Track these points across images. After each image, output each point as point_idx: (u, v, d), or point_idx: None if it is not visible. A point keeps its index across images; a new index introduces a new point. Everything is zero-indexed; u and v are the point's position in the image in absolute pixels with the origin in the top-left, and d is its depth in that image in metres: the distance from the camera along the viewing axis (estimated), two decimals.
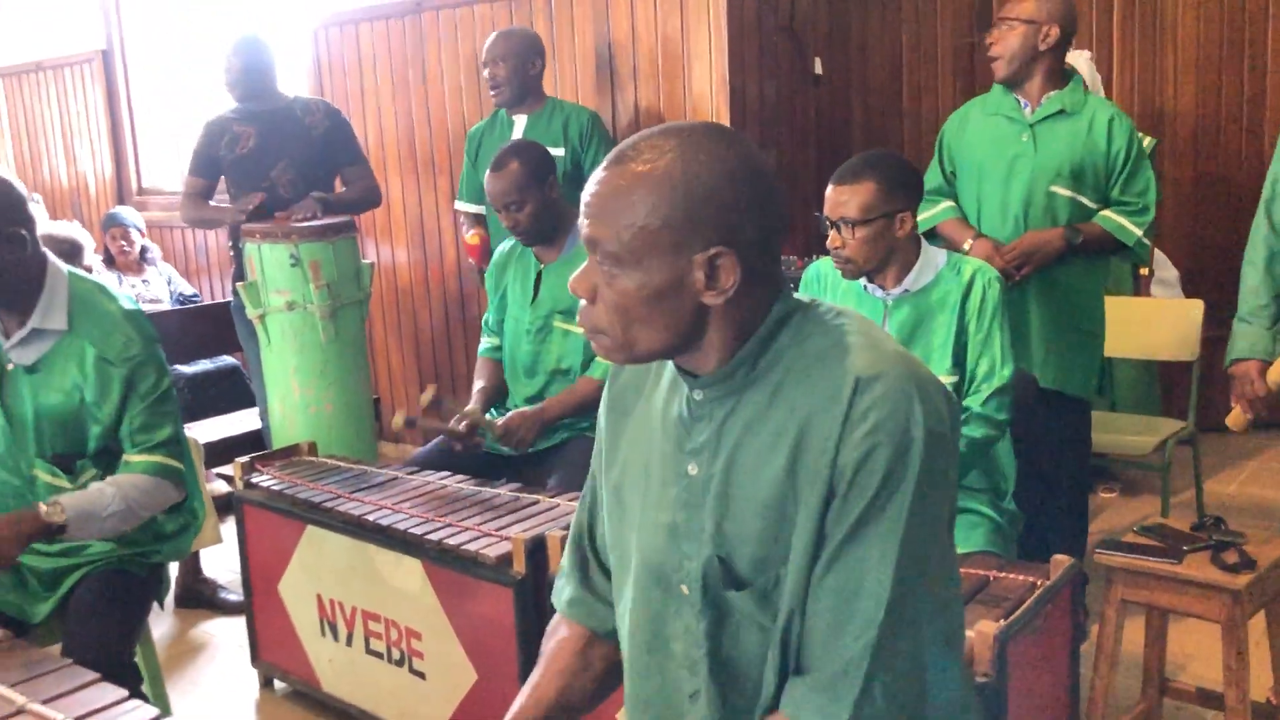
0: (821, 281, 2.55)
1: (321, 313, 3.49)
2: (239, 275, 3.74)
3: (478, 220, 3.89)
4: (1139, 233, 2.93)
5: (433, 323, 4.90)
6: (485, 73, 3.65)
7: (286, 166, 3.77)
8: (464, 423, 2.89)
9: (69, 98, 6.42)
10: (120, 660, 2.07)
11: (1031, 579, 2.03)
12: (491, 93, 3.66)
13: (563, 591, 1.47)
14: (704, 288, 1.17)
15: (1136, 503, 4.03)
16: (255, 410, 4.38)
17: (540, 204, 2.84)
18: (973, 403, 2.35)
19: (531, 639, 2.33)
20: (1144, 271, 4.23)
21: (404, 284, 4.95)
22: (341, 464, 3.02)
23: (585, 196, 1.21)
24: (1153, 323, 3.64)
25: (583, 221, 1.21)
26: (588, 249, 1.21)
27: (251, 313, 3.54)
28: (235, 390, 4.83)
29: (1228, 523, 2.38)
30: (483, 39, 4.34)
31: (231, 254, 3.99)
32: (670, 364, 1.29)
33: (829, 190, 2.36)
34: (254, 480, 2.94)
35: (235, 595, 3.59)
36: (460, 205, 3.90)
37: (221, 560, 3.81)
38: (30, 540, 2.03)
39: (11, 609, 2.16)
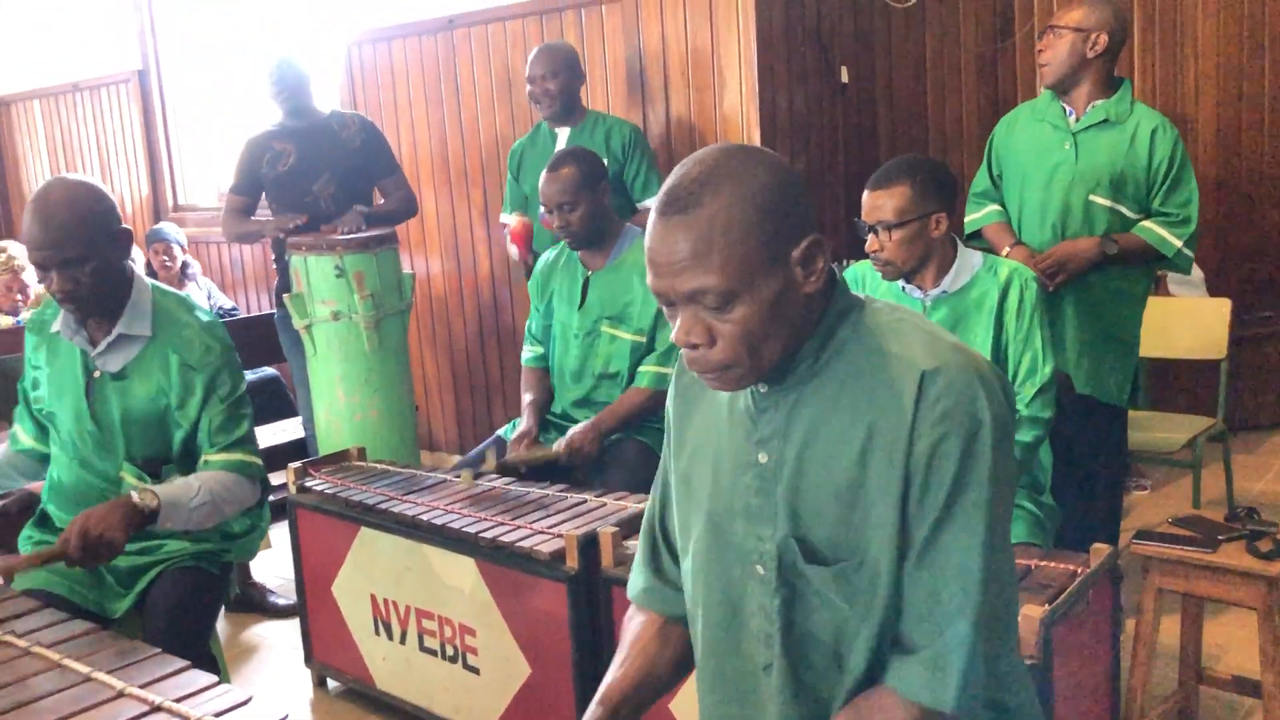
0: (860, 284, 2.63)
1: (366, 322, 3.58)
2: (284, 288, 3.84)
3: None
4: (1179, 244, 2.94)
5: (467, 332, 5.00)
6: (532, 88, 3.72)
7: (328, 180, 3.87)
8: (520, 445, 3.02)
9: (105, 117, 6.55)
10: (199, 652, 2.17)
11: (1072, 567, 2.10)
12: (538, 105, 3.74)
13: (636, 582, 1.55)
14: (804, 279, 1.24)
15: (1167, 500, 4.09)
16: (297, 420, 4.48)
17: (591, 207, 2.94)
18: (1019, 404, 2.42)
19: (584, 632, 2.41)
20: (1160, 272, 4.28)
21: (438, 294, 5.05)
22: (390, 468, 3.10)
23: (661, 257, 1.22)
24: (1180, 322, 3.69)
25: (671, 280, 1.21)
26: (682, 302, 1.23)
27: (298, 323, 3.64)
28: (275, 400, 4.93)
29: (1261, 515, 2.44)
30: (514, 54, 4.45)
31: (274, 267, 4.09)
32: None
33: (865, 196, 2.44)
34: (307, 484, 3.03)
35: (285, 599, 3.68)
36: (504, 217, 3.99)
37: (269, 566, 3.91)
38: (131, 528, 2.12)
39: (91, 605, 2.26)
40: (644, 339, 2.99)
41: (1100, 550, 2.13)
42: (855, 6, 4.38)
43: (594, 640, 2.42)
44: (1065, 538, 2.68)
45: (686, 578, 1.45)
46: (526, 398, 3.22)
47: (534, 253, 3.67)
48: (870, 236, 2.44)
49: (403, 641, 2.84)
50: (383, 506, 2.79)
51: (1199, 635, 2.56)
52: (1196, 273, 4.50)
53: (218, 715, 1.58)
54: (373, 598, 2.90)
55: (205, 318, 2.38)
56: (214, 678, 1.69)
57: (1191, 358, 3.74)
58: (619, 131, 3.71)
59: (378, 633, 2.91)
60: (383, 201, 4.04)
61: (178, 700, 1.61)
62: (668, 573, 1.51)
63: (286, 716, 1.58)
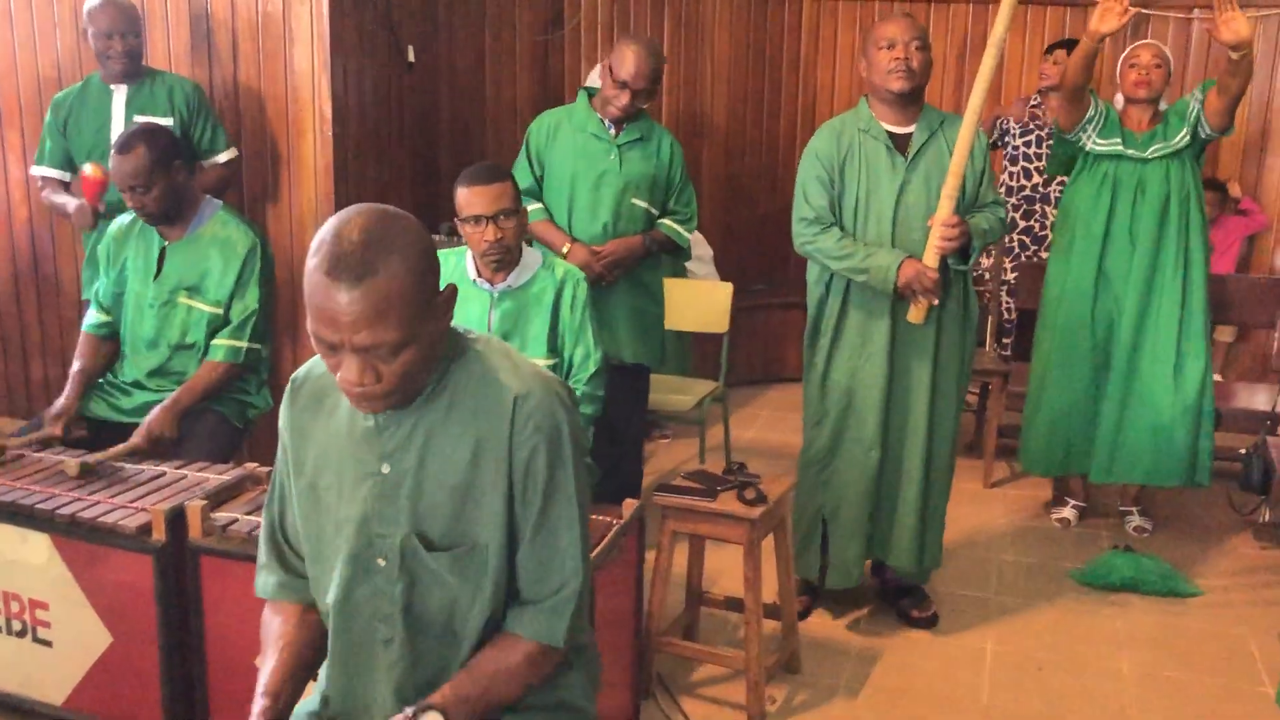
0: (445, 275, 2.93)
1: None
2: None
3: (62, 186, 3.81)
4: (689, 236, 3.72)
5: (0, 282, 4.66)
6: (97, 44, 3.59)
7: None
8: (59, 424, 2.97)
9: None
10: None
11: (609, 519, 2.57)
12: (111, 63, 3.61)
13: (268, 583, 1.75)
14: (443, 316, 1.52)
15: (682, 446, 4.82)
16: None
17: (166, 187, 2.96)
18: (577, 385, 2.87)
19: (171, 602, 2.53)
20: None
21: None
22: None
23: (342, 316, 1.40)
24: (695, 301, 4.34)
25: (350, 335, 1.42)
26: (359, 353, 1.43)
27: None
28: None
29: (748, 466, 3.06)
30: (62, 3, 4.21)
31: None
32: None
33: (476, 191, 2.72)
34: None
35: None
36: (40, 170, 3.79)
37: None
38: None
39: None
40: (220, 311, 3.06)
41: (630, 504, 2.63)
42: None
43: (181, 608, 2.55)
44: (603, 488, 3.18)
45: (316, 573, 1.68)
46: (76, 365, 3.14)
47: (104, 207, 3.54)
48: (489, 226, 2.72)
49: None
50: None
51: (701, 567, 3.17)
52: (708, 250, 5.27)
53: None
54: None
55: None
56: None
57: (703, 330, 4.42)
58: (181, 90, 3.69)
59: None
60: None
61: None
62: (295, 566, 1.74)
63: None
